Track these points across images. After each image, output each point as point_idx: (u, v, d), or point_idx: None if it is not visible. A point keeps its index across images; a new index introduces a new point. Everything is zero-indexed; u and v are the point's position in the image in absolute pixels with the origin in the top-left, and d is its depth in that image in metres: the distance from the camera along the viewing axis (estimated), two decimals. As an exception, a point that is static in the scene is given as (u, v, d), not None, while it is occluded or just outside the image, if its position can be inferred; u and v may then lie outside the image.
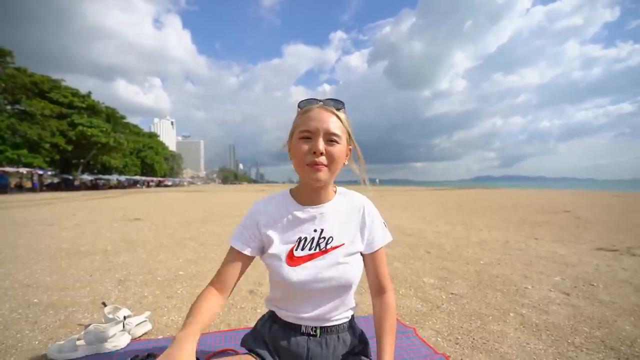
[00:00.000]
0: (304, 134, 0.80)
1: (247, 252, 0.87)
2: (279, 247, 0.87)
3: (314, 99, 0.85)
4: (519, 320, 1.87)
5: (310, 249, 0.86)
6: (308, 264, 0.84)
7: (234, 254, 0.88)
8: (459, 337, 1.68)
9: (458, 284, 2.56)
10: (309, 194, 0.89)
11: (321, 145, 0.78)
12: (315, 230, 0.88)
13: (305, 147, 0.79)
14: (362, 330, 0.98)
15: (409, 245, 4.11)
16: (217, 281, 0.86)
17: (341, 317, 0.90)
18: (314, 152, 0.78)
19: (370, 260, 0.93)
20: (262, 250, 0.91)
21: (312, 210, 0.89)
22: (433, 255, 3.56)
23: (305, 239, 0.87)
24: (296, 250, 0.86)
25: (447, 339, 1.66)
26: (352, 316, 0.95)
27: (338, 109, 0.84)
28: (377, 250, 0.92)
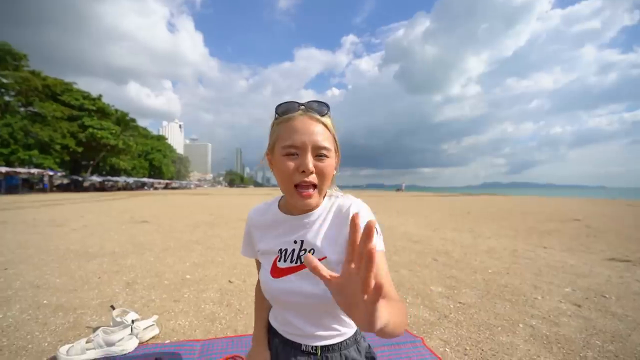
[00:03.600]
0: (289, 150, 0.71)
1: (255, 257, 0.93)
2: (265, 258, 0.85)
3: (294, 101, 0.75)
4: (529, 332, 1.84)
5: (291, 262, 0.80)
6: (290, 276, 0.79)
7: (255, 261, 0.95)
8: (468, 347, 1.66)
9: (466, 293, 2.53)
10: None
11: (311, 163, 0.70)
12: (295, 242, 0.81)
13: (292, 164, 0.70)
14: (369, 345, 0.92)
15: (416, 252, 4.07)
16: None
17: (343, 333, 0.83)
18: (303, 172, 0.69)
19: None
20: None
21: (294, 221, 0.82)
22: (440, 263, 3.52)
23: (286, 250, 0.81)
24: (279, 261, 0.81)
25: (455, 349, 1.64)
26: (357, 330, 0.88)
27: (323, 115, 0.74)
28: None
